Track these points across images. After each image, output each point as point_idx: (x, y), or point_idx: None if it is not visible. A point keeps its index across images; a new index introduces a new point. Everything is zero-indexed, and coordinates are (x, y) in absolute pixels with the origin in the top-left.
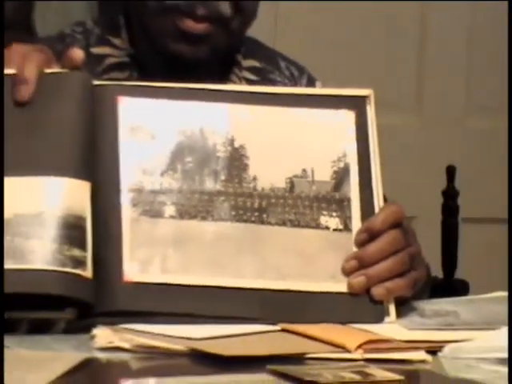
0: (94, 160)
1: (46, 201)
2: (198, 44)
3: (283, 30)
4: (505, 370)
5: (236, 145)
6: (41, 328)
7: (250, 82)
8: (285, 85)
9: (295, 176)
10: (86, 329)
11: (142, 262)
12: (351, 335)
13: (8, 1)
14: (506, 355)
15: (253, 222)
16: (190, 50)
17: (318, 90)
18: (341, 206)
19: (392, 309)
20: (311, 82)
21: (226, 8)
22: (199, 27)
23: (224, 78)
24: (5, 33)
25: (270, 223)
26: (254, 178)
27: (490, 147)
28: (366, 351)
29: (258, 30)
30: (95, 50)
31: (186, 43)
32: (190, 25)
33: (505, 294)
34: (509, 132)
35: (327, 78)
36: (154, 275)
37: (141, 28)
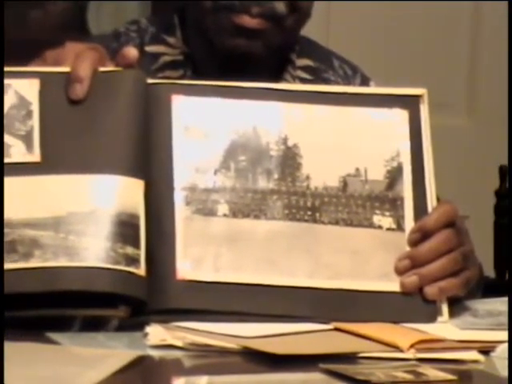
0: (148, 158)
1: (100, 199)
2: (252, 39)
3: (336, 28)
4: None
5: (289, 143)
6: (94, 325)
7: (303, 80)
8: (338, 84)
9: (348, 175)
10: (139, 326)
11: (195, 260)
12: (404, 335)
13: (61, 2)
14: None
15: (306, 220)
16: (245, 44)
17: (371, 89)
18: (394, 205)
19: (445, 308)
20: (365, 81)
21: (281, 7)
22: (254, 22)
23: (278, 77)
24: (58, 33)
25: (322, 222)
26: (307, 177)
27: None
28: (419, 351)
29: (312, 29)
30: (149, 49)
31: (242, 37)
32: (246, 20)
33: None
34: (509, 132)
35: (379, 77)
36: (207, 273)
37: (196, 26)
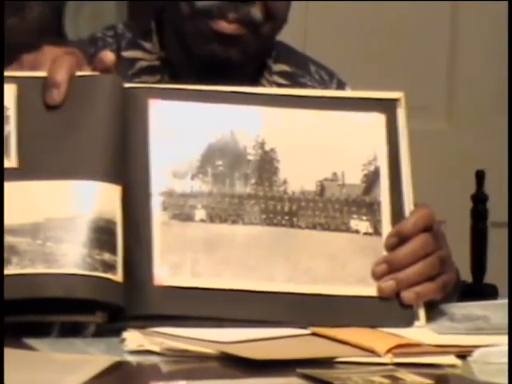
0: (125, 163)
1: (77, 205)
2: (229, 44)
3: (313, 33)
4: None
5: (267, 148)
6: (72, 331)
7: (280, 86)
8: (315, 89)
9: (325, 179)
10: (117, 332)
11: (173, 265)
12: (381, 339)
13: (38, 6)
14: None
15: (283, 225)
16: (222, 49)
17: (348, 93)
18: (371, 209)
19: (422, 313)
20: (341, 86)
21: (257, 14)
22: (231, 28)
23: (254, 83)
24: (35, 38)
25: (300, 227)
26: (285, 182)
27: None
28: (396, 355)
29: (288, 34)
30: (126, 54)
31: (219, 43)
32: (223, 25)
33: None
34: (509, 134)
35: (357, 83)
36: (185, 279)
37: (173, 32)
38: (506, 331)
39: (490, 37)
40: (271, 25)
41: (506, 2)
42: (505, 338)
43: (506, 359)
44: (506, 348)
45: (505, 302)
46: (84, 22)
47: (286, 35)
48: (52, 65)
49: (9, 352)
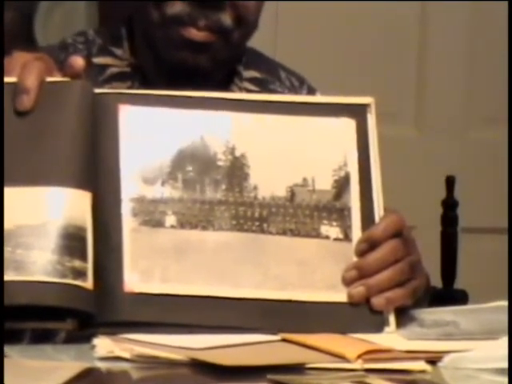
0: (95, 169)
1: (47, 211)
2: (199, 52)
3: (284, 39)
4: (505, 380)
5: (237, 154)
6: (42, 338)
7: (250, 92)
8: (285, 95)
9: (296, 185)
10: (87, 339)
11: (143, 272)
12: (351, 345)
13: (8, 12)
14: (506, 365)
15: (253, 231)
16: (192, 57)
17: (318, 98)
18: (341, 215)
19: (392, 319)
20: (311, 93)
21: (227, 20)
22: (201, 35)
23: (225, 89)
24: (5, 43)
25: (270, 233)
26: (255, 187)
27: (489, 158)
28: (366, 361)
29: (259, 40)
30: (97, 60)
31: (189, 51)
32: (193, 33)
33: (505, 303)
34: (509, 142)
35: (327, 89)
36: (155, 285)
37: (144, 38)
38: (476, 337)
39: (459, 43)
40: (241, 31)
41: (473, 12)
42: (475, 344)
43: (476, 365)
44: (475, 353)
45: (474, 307)
46: (54, 28)
47: (256, 41)
48: (22, 70)
49: None
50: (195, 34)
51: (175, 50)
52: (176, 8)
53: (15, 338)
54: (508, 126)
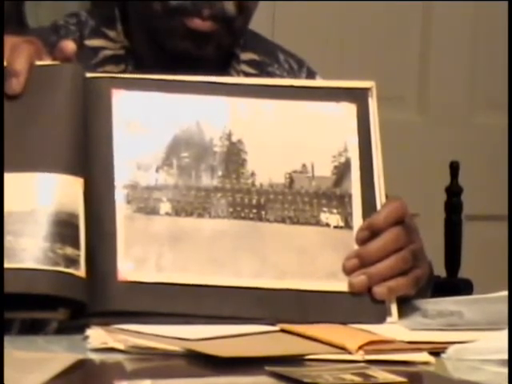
0: (88, 155)
1: (38, 198)
2: (204, 42)
3: (282, 20)
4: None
5: (234, 139)
6: (33, 328)
7: (248, 75)
8: (283, 78)
9: (294, 171)
10: (80, 329)
11: (137, 260)
12: (352, 336)
13: None
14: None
15: (251, 219)
16: (196, 47)
17: (318, 82)
18: (341, 202)
19: (394, 309)
20: (311, 75)
21: (230, 8)
22: (206, 25)
23: (222, 72)
24: None
25: (268, 220)
26: (252, 174)
27: (494, 144)
28: (368, 352)
29: (257, 22)
30: (90, 43)
31: (193, 41)
32: (198, 23)
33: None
34: (509, 130)
35: (328, 72)
36: (149, 274)
37: (142, 27)
38: (480, 327)
39: (463, 28)
40: (243, 17)
41: None
42: (479, 334)
43: (480, 356)
44: (480, 344)
45: (479, 297)
46: (46, 10)
47: (253, 22)
48: (11, 54)
49: None
50: (200, 24)
51: (179, 41)
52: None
53: (4, 328)
54: (508, 113)
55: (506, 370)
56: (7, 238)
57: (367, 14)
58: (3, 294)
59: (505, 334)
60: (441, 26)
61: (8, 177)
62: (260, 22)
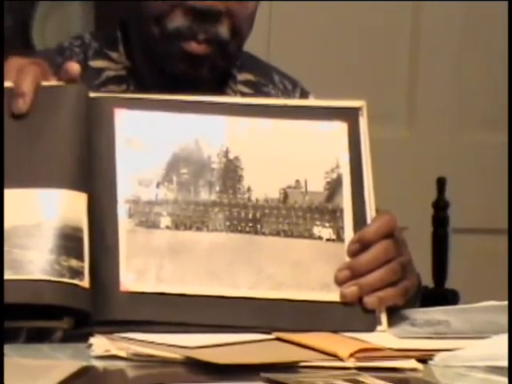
0: (91, 171)
1: (44, 212)
2: (199, 65)
3: (277, 42)
4: (495, 378)
5: (230, 156)
6: (39, 337)
7: (244, 95)
8: (278, 98)
9: (289, 187)
10: (84, 337)
11: (138, 271)
12: (343, 344)
13: (5, 19)
14: (496, 363)
15: (247, 232)
16: (192, 70)
17: (311, 102)
18: (333, 216)
19: (384, 318)
20: (304, 95)
21: (224, 32)
22: (201, 49)
23: (219, 91)
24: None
25: (263, 234)
26: (249, 189)
27: (481, 159)
28: (358, 359)
29: (253, 44)
30: (93, 64)
31: (189, 63)
32: (193, 46)
33: (496, 303)
34: (509, 143)
35: (320, 91)
36: (150, 285)
37: (142, 47)
38: (467, 336)
39: (450, 47)
40: (237, 41)
41: (465, 17)
42: (465, 343)
43: (466, 363)
44: (466, 352)
45: (465, 307)
46: (51, 33)
47: (249, 44)
48: (18, 75)
49: None
50: (195, 47)
51: (176, 63)
52: (176, 22)
53: (11, 336)
54: (508, 130)
55: (491, 377)
56: (14, 251)
57: (358, 36)
58: (3, 301)
59: (490, 342)
60: (429, 47)
61: (14, 192)
62: (255, 44)
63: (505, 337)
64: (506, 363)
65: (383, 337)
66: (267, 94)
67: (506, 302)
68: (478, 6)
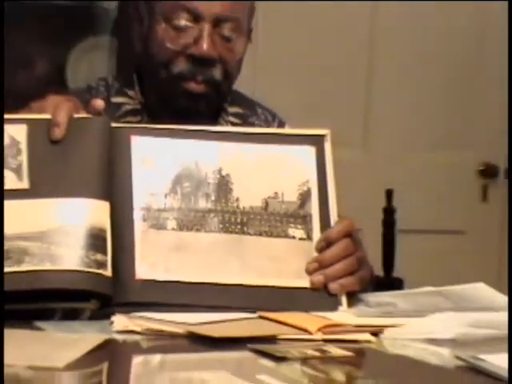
0: (113, 185)
1: (75, 217)
2: (198, 101)
3: (261, 82)
4: (432, 348)
5: (223, 173)
6: (71, 315)
7: (234, 124)
8: (261, 127)
9: (269, 197)
10: (107, 316)
11: (150, 264)
12: (312, 321)
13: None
14: (433, 336)
15: (236, 233)
16: (192, 105)
17: (286, 130)
18: (304, 220)
19: (344, 300)
20: (281, 125)
21: (217, 74)
22: (199, 88)
23: (214, 122)
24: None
25: (249, 234)
26: (237, 199)
27: (421, 174)
28: (324, 333)
29: (241, 83)
30: (114, 100)
31: (190, 100)
32: (193, 86)
33: (433, 288)
34: (509, 161)
35: (294, 120)
36: (159, 274)
37: (153, 88)
38: (411, 314)
39: (401, 84)
40: (228, 82)
41: (417, 44)
42: (408, 320)
43: (409, 336)
44: (409, 328)
45: (409, 291)
46: (81, 75)
47: (238, 84)
48: (54, 109)
49: (23, 332)
50: (194, 87)
51: (179, 99)
52: (179, 67)
53: (49, 315)
54: (508, 147)
55: (428, 347)
56: (52, 247)
57: (322, 78)
58: (3, 299)
59: (428, 319)
60: (381, 84)
61: (53, 201)
62: (243, 84)
63: (440, 315)
64: (441, 336)
65: (344, 315)
66: (252, 124)
67: (442, 288)
68: (431, 34)
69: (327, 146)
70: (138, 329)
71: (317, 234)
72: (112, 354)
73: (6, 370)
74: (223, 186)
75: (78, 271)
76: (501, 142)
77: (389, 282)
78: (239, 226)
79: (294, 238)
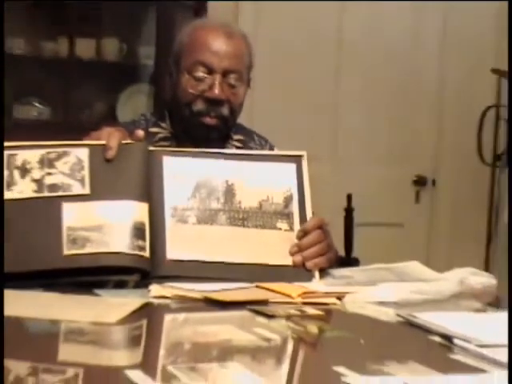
0: (150, 192)
1: (123, 214)
2: (211, 131)
3: (258, 117)
4: (383, 309)
5: (229, 183)
6: (120, 285)
7: (237, 148)
8: (257, 149)
9: (262, 200)
10: (146, 286)
11: (177, 249)
12: (294, 289)
13: (100, 104)
14: (383, 299)
15: (239, 226)
16: (208, 134)
17: (275, 152)
18: (288, 217)
19: (317, 274)
20: (271, 148)
21: (226, 112)
22: (212, 121)
23: (222, 146)
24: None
25: (248, 227)
26: (240, 202)
27: (371, 182)
28: (303, 298)
29: (242, 118)
30: (151, 130)
31: (205, 130)
32: (208, 120)
33: (382, 265)
34: (509, 174)
35: (279, 142)
36: (184, 256)
37: (179, 121)
38: (365, 284)
39: (363, 104)
40: (233, 117)
41: (377, 63)
42: (364, 288)
43: (365, 300)
44: (364, 294)
45: (363, 267)
46: (128, 112)
47: (240, 118)
48: (108, 137)
49: (83, 297)
50: (209, 121)
51: (198, 130)
52: (198, 106)
53: (104, 285)
54: (507, 162)
55: (380, 308)
56: (106, 236)
57: (302, 109)
58: (3, 298)
59: (379, 287)
60: (346, 106)
61: (107, 203)
62: (244, 118)
63: (387, 285)
64: (387, 299)
65: (317, 285)
66: (251, 148)
67: (387, 264)
68: (392, 55)
69: (304, 163)
70: (168, 295)
71: (297, 227)
72: (150, 313)
73: (73, 325)
74: (229, 192)
75: (125, 253)
76: (430, 158)
77: (348, 261)
78: (241, 221)
79: (280, 229)
